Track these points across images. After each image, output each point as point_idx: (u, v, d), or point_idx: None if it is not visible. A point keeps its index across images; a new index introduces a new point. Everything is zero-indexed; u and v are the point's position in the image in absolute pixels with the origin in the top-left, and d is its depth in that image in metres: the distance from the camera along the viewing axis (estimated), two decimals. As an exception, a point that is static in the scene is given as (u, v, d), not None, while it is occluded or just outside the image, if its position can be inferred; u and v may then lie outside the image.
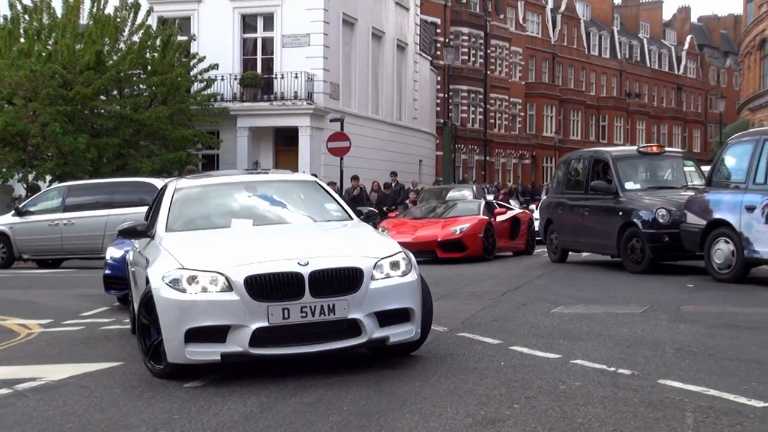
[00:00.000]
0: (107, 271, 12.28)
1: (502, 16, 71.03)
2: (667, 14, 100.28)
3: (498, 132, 69.32)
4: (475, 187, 27.36)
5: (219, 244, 7.76)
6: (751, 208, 12.33)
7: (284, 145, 32.16)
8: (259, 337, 6.68)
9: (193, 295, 6.78)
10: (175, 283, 6.86)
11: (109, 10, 28.46)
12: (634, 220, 14.68)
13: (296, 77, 30.70)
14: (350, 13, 33.65)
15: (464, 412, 5.82)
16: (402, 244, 18.51)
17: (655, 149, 16.71)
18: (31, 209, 21.23)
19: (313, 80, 31.04)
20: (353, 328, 6.93)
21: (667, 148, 17.34)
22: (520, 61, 73.82)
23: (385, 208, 25.65)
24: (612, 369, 6.98)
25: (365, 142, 33.95)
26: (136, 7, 28.31)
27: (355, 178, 25.52)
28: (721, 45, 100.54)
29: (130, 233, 8.83)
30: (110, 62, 26.67)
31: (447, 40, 45.77)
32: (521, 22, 74.19)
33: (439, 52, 63.65)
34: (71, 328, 10.78)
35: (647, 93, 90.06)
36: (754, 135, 13.26)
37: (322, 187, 9.50)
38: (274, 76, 31.55)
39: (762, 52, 47.72)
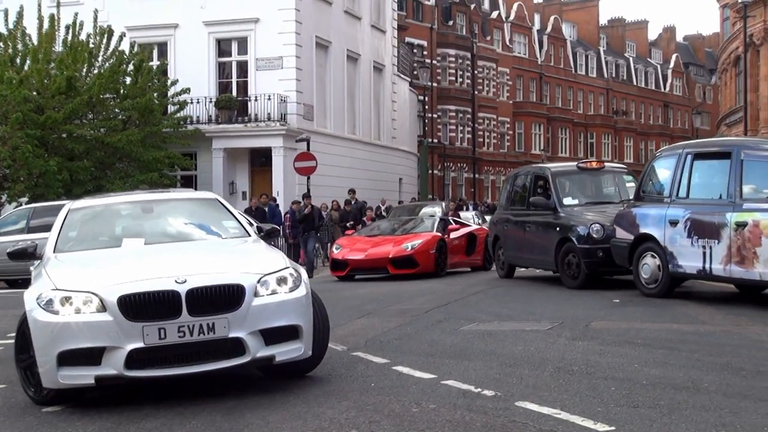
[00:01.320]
0: None
1: (488, 38, 71.03)
2: (652, 34, 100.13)
3: (487, 150, 69.23)
4: (444, 204, 27.03)
5: (99, 264, 7.33)
6: (674, 222, 11.95)
7: (260, 166, 31.85)
8: (135, 359, 6.30)
9: (66, 316, 6.36)
10: (48, 305, 6.45)
11: (84, 36, 28.22)
12: (570, 235, 14.34)
13: (269, 99, 30.47)
14: (323, 36, 33.38)
15: (295, 439, 5.50)
16: (355, 261, 18.49)
17: (594, 164, 16.35)
18: (-5, 231, 21.06)
19: (286, 102, 30.76)
20: (236, 347, 6.55)
21: (607, 163, 16.96)
22: (508, 81, 73.80)
23: (348, 224, 25.41)
24: (477, 390, 6.63)
25: (342, 162, 33.75)
26: (110, 33, 28.07)
27: (306, 196, 25.16)
28: (706, 63, 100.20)
29: (19, 256, 8.22)
30: (83, 87, 26.35)
31: (424, 62, 45.36)
32: (508, 43, 74.15)
33: (426, 74, 63.69)
34: (-12, 350, 10.46)
35: (634, 110, 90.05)
36: (677, 148, 12.87)
37: (222, 204, 9.05)
38: (248, 98, 31.30)
39: (737, 69, 47.42)
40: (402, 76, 42.55)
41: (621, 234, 13.13)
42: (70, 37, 27.83)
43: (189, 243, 8.30)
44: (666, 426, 5.49)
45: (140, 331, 6.27)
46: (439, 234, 19.11)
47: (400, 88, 41.72)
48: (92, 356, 6.32)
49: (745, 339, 8.74)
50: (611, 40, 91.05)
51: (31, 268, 8.97)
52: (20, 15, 27.69)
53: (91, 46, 27.92)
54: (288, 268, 7.13)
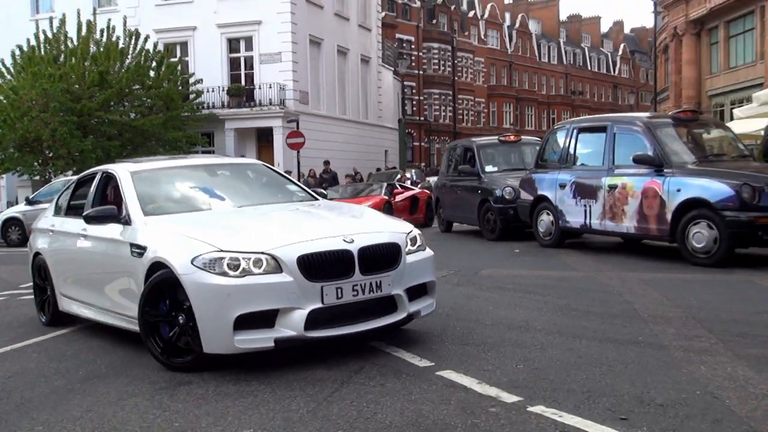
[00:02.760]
0: None
1: (466, 33, 70.16)
2: (604, 27, 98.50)
3: (466, 126, 68.54)
4: (414, 171, 26.80)
5: (238, 225, 5.93)
6: (563, 185, 11.75)
7: (265, 142, 31.42)
8: (312, 319, 5.22)
9: (241, 278, 5.13)
10: (212, 267, 5.18)
11: (116, 38, 27.76)
12: (488, 197, 14.14)
13: (270, 87, 30.08)
14: (316, 34, 32.71)
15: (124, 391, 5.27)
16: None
17: (512, 138, 16.00)
18: (41, 199, 21.01)
19: (284, 89, 30.32)
20: (395, 304, 5.63)
21: (523, 137, 16.56)
22: (483, 68, 72.90)
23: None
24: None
25: (334, 137, 33.35)
26: (137, 35, 27.57)
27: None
28: (648, 51, 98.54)
29: (100, 218, 6.40)
30: (114, 80, 25.99)
31: (410, 54, 44.56)
32: (483, 37, 73.19)
33: (413, 64, 63.05)
34: (-7, 299, 10.23)
35: (588, 91, 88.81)
36: (567, 123, 12.60)
37: (271, 169, 7.80)
38: (254, 87, 30.86)
39: (665, 55, 46.64)
40: (386, 66, 41.81)
41: (524, 195, 12.91)
42: (104, 39, 27.43)
43: (291, 205, 6.92)
44: (478, 361, 5.32)
45: (319, 291, 5.22)
46: (386, 197, 18.80)
47: (385, 77, 41.01)
48: (267, 319, 5.19)
49: (596, 283, 8.52)
50: (569, 33, 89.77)
51: (50, 227, 7.70)
52: (62, 21, 27.26)
53: (122, 46, 27.46)
54: (414, 227, 6.22)
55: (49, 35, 27.25)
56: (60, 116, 23.75)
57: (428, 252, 6.07)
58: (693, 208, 9.55)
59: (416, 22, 62.49)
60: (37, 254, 7.99)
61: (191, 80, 29.15)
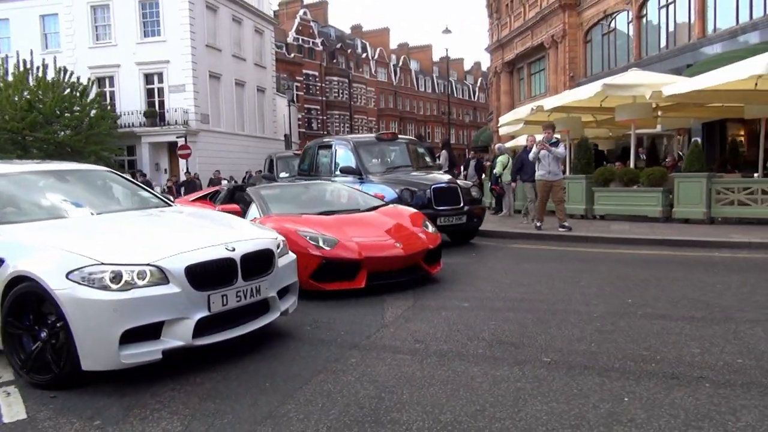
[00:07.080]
0: None
1: (360, 69, 69.68)
2: (467, 66, 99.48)
3: (361, 138, 68.09)
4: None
5: (110, 234, 4.30)
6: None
7: (174, 153, 30.35)
8: (200, 327, 4.01)
9: (125, 291, 3.73)
10: (92, 281, 3.71)
11: (51, 74, 26.18)
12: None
13: (176, 111, 29.08)
14: (215, 71, 31.52)
15: None
16: (386, 258, 6.50)
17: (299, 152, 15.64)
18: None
19: (187, 112, 29.33)
20: (270, 305, 4.60)
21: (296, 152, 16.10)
22: (374, 96, 72.62)
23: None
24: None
25: (234, 149, 32.44)
26: (65, 71, 26.05)
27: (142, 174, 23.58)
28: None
29: None
30: (41, 107, 24.52)
31: (288, 86, 43.14)
32: (373, 72, 72.86)
33: (318, 92, 62.28)
34: None
35: (455, 112, 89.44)
36: (312, 143, 12.31)
37: (120, 176, 5.90)
38: (165, 110, 29.73)
39: (492, 88, 47.29)
40: (280, 94, 40.85)
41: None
42: (40, 74, 25.88)
43: (159, 212, 5.25)
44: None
45: (206, 300, 4.02)
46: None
47: (279, 102, 40.01)
48: (153, 331, 3.86)
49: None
50: (441, 70, 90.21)
51: None
52: (2, 60, 25.59)
53: (53, 80, 25.87)
54: (279, 234, 5.04)
55: (-7, 72, 25.57)
56: (-6, 135, 22.33)
57: (292, 255, 5.02)
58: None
59: (320, 61, 61.75)
60: None
61: (110, 107, 27.79)
